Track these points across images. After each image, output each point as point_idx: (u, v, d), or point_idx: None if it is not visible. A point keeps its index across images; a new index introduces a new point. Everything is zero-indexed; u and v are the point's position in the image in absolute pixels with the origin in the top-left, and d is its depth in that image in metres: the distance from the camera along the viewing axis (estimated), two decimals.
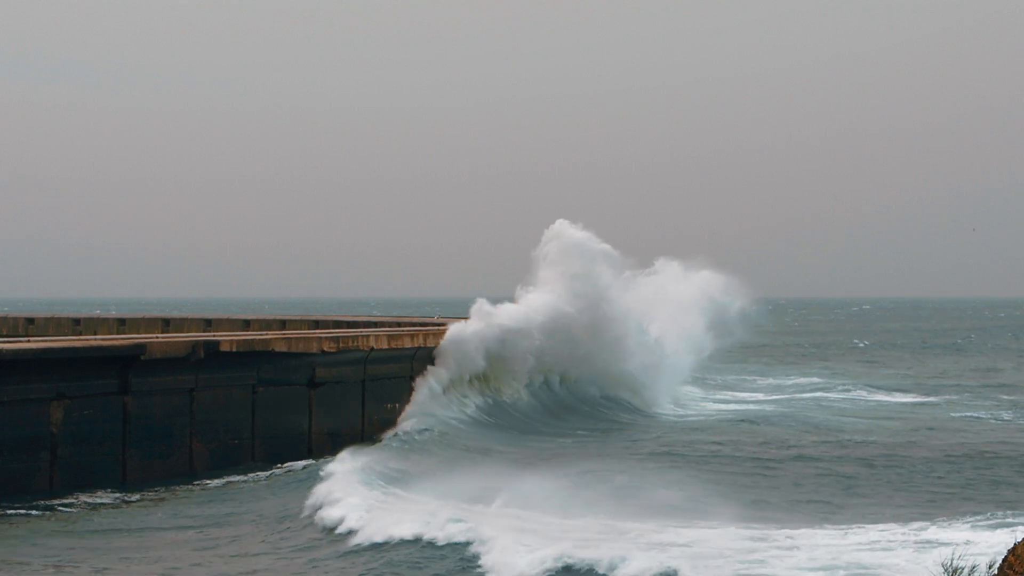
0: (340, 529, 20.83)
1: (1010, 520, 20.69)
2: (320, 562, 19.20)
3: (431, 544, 19.31)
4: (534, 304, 44.75)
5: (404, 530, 19.96)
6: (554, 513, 21.35)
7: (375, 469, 26.14)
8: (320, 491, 23.39)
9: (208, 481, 27.26)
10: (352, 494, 22.85)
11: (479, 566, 18.01)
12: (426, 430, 33.08)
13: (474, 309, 43.32)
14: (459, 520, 20.03)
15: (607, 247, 48.96)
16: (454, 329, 40.76)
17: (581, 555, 17.56)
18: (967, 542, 18.32)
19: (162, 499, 25.13)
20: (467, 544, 18.89)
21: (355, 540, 20.07)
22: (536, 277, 47.31)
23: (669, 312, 52.57)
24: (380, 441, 31.67)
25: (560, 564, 17.39)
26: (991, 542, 18.32)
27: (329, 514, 21.70)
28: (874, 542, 19.02)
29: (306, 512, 22.43)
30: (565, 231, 48.42)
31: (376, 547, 19.53)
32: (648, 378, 45.15)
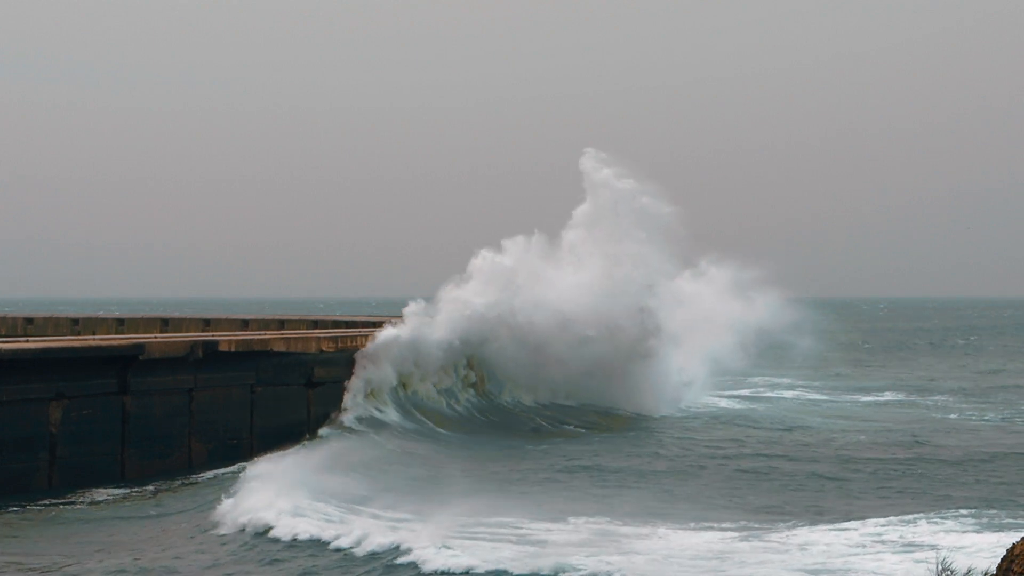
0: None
1: (998, 522, 20.70)
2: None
3: (355, 550, 18.93)
4: (570, 289, 35.98)
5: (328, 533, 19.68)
6: (539, 518, 20.97)
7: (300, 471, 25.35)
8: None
9: (200, 475, 27.43)
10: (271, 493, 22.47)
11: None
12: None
13: (509, 244, 35.61)
14: (394, 528, 19.68)
15: (667, 211, 39.38)
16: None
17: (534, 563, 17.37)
18: (958, 547, 18.31)
19: (138, 495, 25.33)
20: (395, 550, 18.53)
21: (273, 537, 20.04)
22: (559, 244, 38.22)
23: (706, 331, 44.21)
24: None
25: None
26: (981, 543, 18.38)
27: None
28: (861, 543, 19.04)
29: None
30: (599, 174, 38.85)
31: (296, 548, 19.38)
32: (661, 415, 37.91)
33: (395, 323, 35.24)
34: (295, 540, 19.69)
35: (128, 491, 25.67)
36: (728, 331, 46.40)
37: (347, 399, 32.54)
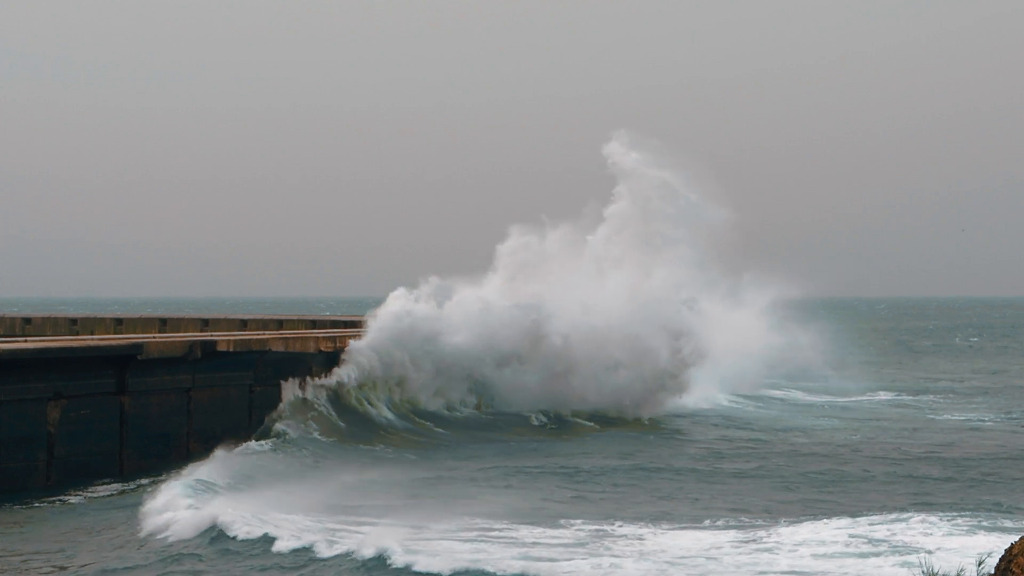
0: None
1: (991, 523, 20.74)
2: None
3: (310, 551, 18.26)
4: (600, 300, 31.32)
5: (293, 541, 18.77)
6: (528, 520, 20.79)
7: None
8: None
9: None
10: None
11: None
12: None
13: (551, 227, 30.73)
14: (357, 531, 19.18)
15: (719, 213, 34.56)
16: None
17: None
18: (953, 548, 18.34)
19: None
20: (365, 554, 17.79)
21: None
22: (585, 245, 33.78)
23: (740, 361, 40.49)
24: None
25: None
26: (977, 544, 18.40)
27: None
28: (853, 544, 19.05)
29: None
30: (627, 159, 34.15)
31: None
32: None
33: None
34: (255, 542, 19.10)
35: (123, 485, 25.68)
36: (762, 363, 43.15)
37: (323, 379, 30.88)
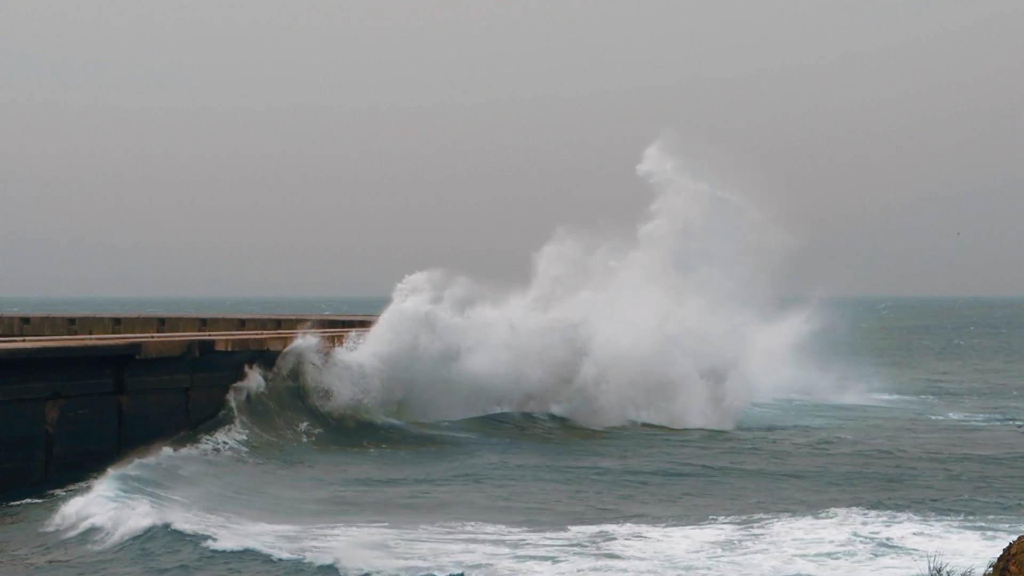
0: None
1: (985, 523, 20.74)
2: None
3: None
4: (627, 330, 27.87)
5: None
6: (519, 520, 20.69)
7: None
8: None
9: None
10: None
11: None
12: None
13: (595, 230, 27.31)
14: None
15: (786, 240, 31.51)
16: None
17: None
18: (951, 549, 18.33)
19: None
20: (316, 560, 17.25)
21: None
22: (615, 264, 30.90)
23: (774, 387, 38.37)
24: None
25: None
26: (973, 544, 18.39)
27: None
28: (849, 544, 19.03)
29: None
30: (672, 176, 30.83)
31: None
32: None
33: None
34: (202, 539, 18.69)
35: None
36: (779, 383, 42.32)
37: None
